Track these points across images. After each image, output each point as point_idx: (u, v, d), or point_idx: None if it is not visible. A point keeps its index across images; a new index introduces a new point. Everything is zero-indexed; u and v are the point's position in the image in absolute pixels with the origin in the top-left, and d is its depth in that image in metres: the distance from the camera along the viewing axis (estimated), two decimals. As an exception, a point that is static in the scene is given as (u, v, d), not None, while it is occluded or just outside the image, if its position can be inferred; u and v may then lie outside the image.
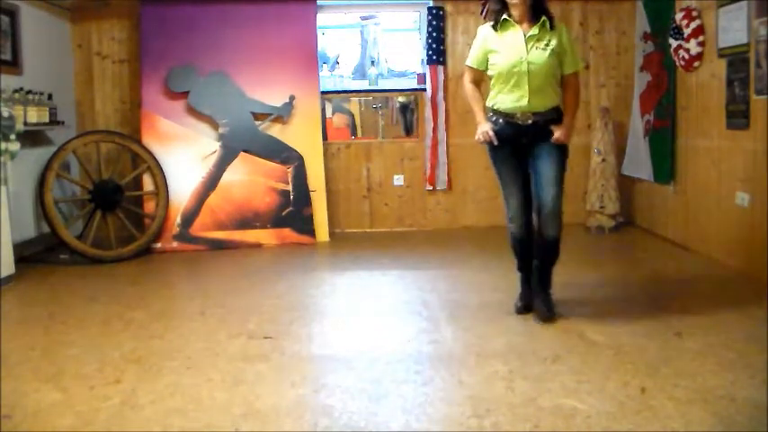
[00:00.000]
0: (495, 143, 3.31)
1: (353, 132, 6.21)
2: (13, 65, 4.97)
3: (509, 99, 3.29)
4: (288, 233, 5.61)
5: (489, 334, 3.18)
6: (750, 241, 4.11)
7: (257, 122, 5.68)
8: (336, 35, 6.38)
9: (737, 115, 4.21)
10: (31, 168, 4.96)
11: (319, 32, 5.98)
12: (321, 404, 2.47)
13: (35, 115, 4.84)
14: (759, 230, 3.98)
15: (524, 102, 3.26)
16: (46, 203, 4.89)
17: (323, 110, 5.98)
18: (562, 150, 3.31)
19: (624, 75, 6.07)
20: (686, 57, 4.78)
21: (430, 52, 5.99)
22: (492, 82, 3.37)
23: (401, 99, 6.20)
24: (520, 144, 3.32)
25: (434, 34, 5.97)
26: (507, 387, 2.57)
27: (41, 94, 4.99)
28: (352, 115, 6.22)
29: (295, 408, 2.45)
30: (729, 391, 2.48)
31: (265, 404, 2.47)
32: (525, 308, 3.47)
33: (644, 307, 3.61)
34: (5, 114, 4.22)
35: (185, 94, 5.60)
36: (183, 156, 5.55)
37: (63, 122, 5.34)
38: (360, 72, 6.28)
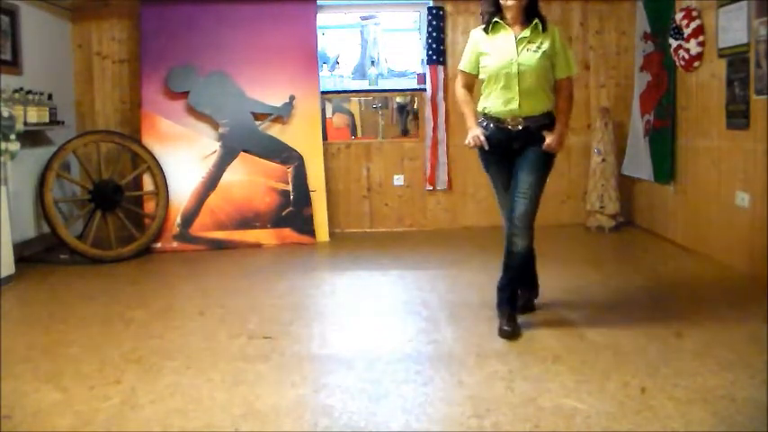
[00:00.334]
0: (486, 148, 3.24)
1: (353, 132, 6.20)
2: (13, 65, 4.97)
3: (499, 102, 3.20)
4: (288, 233, 5.61)
5: (489, 334, 3.17)
6: (750, 241, 4.11)
7: (257, 122, 5.68)
8: (336, 35, 6.38)
9: (737, 115, 4.21)
10: (31, 168, 4.96)
11: (319, 32, 5.97)
12: (321, 404, 2.47)
13: (35, 115, 4.84)
14: (759, 230, 3.98)
15: (515, 105, 3.16)
16: (46, 203, 4.88)
17: (323, 110, 5.98)
18: (545, 162, 3.20)
19: (624, 75, 6.06)
20: (686, 57, 4.78)
21: (430, 52, 5.99)
22: (483, 85, 3.30)
23: (399, 99, 6.20)
24: (511, 149, 3.23)
25: (434, 34, 5.97)
26: (507, 387, 2.57)
27: (41, 94, 4.99)
28: (353, 115, 6.21)
29: (295, 408, 2.45)
30: (729, 391, 2.48)
31: (265, 404, 2.47)
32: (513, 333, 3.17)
33: (644, 307, 3.61)
34: (5, 114, 4.22)
35: (185, 94, 5.59)
36: (183, 156, 5.55)
37: (63, 122, 5.33)
38: (360, 72, 6.28)
